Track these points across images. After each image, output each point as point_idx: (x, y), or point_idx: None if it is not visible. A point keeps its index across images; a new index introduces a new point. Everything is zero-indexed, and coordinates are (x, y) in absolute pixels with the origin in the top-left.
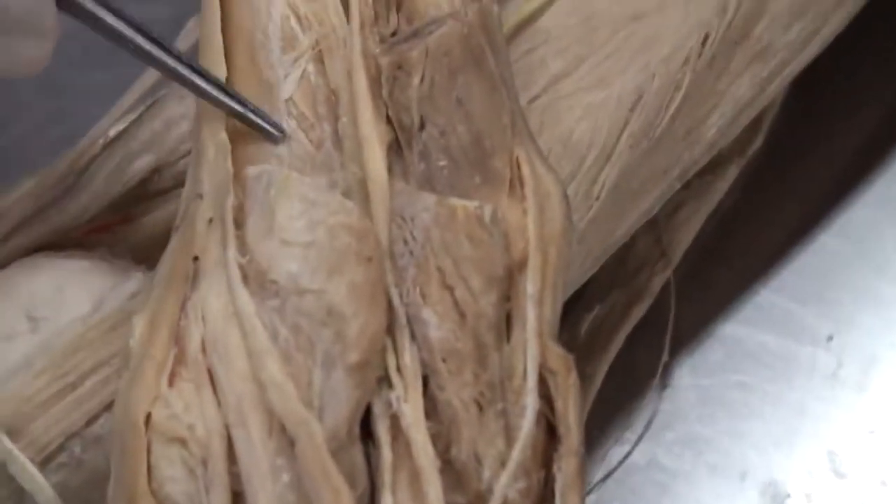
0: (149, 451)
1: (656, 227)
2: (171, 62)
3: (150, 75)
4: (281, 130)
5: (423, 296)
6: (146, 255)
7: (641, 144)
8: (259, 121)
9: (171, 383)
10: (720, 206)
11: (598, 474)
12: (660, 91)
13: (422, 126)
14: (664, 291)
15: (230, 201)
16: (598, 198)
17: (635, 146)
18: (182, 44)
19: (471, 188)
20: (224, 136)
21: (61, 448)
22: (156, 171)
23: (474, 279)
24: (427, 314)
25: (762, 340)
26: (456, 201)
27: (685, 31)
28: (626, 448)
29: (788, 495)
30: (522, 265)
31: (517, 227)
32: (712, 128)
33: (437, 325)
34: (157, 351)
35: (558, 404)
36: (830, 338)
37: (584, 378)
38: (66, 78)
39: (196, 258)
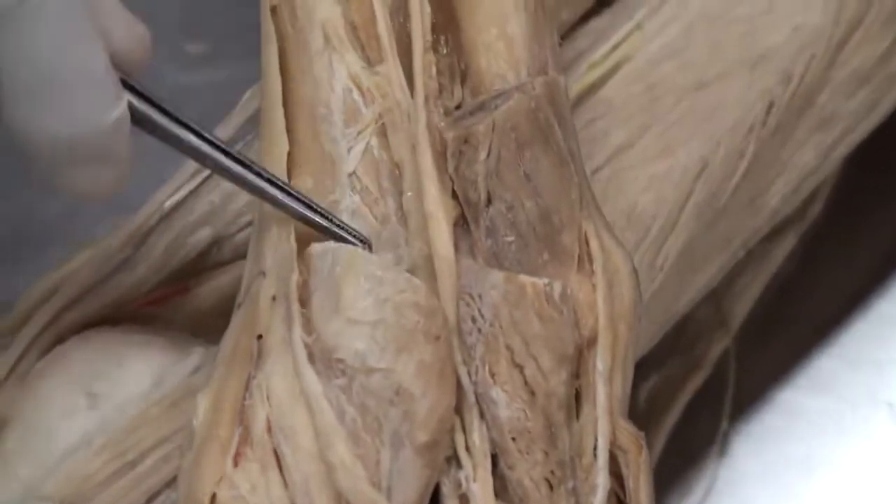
0: None
1: (715, 294)
2: (251, 177)
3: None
4: (366, 242)
5: (493, 374)
6: (204, 327)
7: (706, 214)
8: (345, 234)
9: (236, 463)
10: (778, 273)
11: None
12: (724, 160)
13: (489, 202)
14: (722, 359)
15: (294, 279)
16: (661, 269)
17: (700, 216)
18: (240, 115)
19: (539, 265)
20: None
21: None
22: (214, 243)
23: (544, 357)
24: (496, 393)
25: (821, 406)
26: (525, 278)
27: (749, 100)
28: None
29: None
30: (592, 342)
31: (586, 304)
32: (776, 196)
33: (506, 404)
34: (221, 430)
35: (629, 482)
36: (890, 404)
37: None
38: None
39: (260, 336)
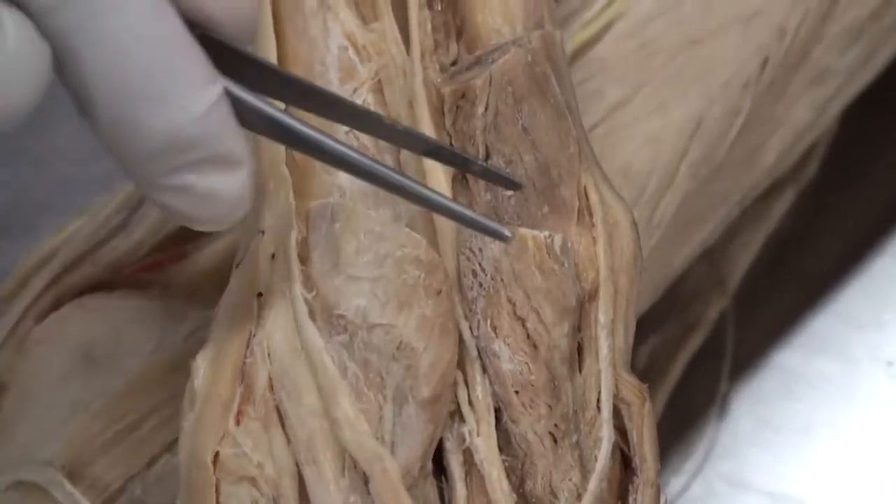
0: (217, 491)
1: (712, 254)
2: (381, 171)
3: None
4: (508, 235)
5: (494, 328)
6: (200, 292)
7: (702, 171)
8: (489, 224)
9: (238, 422)
10: (775, 233)
11: None
12: (720, 117)
13: (487, 156)
14: (720, 320)
15: (294, 236)
16: (659, 226)
17: (696, 173)
18: None
19: (538, 218)
20: (284, 169)
21: (122, 490)
22: None
23: (546, 310)
24: (499, 347)
25: (820, 367)
26: (526, 231)
27: (744, 56)
28: (685, 478)
29: None
30: (593, 295)
31: (587, 257)
32: (771, 153)
33: (509, 357)
34: (222, 389)
35: (633, 435)
36: (890, 363)
37: None
38: None
39: (260, 294)
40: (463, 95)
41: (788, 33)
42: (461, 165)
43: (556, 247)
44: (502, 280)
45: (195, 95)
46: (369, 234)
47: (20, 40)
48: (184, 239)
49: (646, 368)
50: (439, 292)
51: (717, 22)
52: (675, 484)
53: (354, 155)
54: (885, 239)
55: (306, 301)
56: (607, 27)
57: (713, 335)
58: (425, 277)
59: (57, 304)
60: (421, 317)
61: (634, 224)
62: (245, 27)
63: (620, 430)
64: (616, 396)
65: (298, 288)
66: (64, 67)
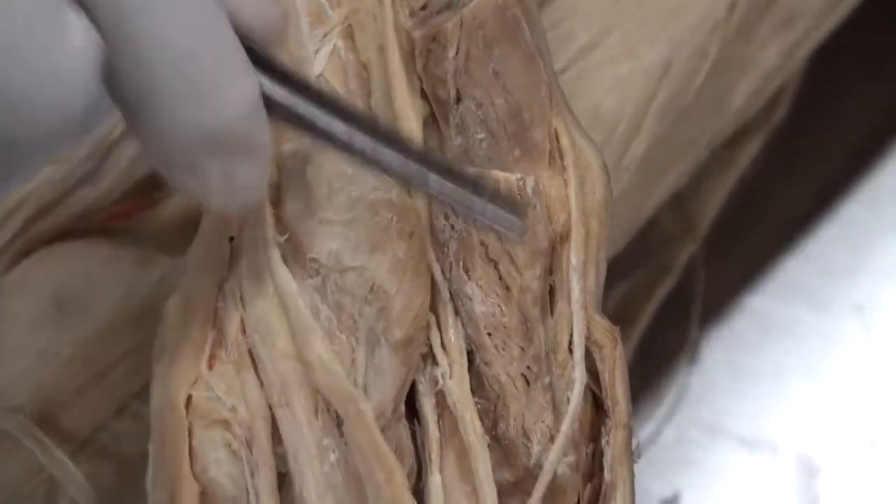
0: (190, 435)
1: (681, 200)
2: (397, 164)
3: None
4: (522, 231)
5: (467, 270)
6: (170, 239)
7: (670, 114)
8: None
9: (210, 366)
10: (744, 178)
11: None
12: (688, 60)
13: (458, 99)
14: (690, 266)
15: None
16: (628, 169)
17: (664, 116)
18: None
19: (510, 161)
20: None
21: (92, 437)
22: None
23: (518, 252)
24: (471, 289)
25: (791, 312)
26: (498, 174)
27: None
28: (657, 424)
29: (821, 468)
30: (565, 237)
31: (558, 199)
32: (740, 96)
33: (481, 299)
34: (195, 334)
35: (605, 377)
36: (860, 308)
37: None
38: None
39: (231, 239)
40: (434, 39)
41: None
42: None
43: (529, 189)
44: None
45: (236, 89)
46: (341, 177)
47: (85, 38)
48: (154, 186)
49: (616, 314)
50: (411, 235)
51: None
52: (646, 429)
53: (379, 151)
54: (856, 183)
55: (278, 245)
56: None
57: (684, 280)
58: (397, 220)
59: (26, 252)
60: (393, 259)
61: (605, 167)
62: (274, 35)
63: (592, 372)
64: (588, 339)
65: (271, 232)
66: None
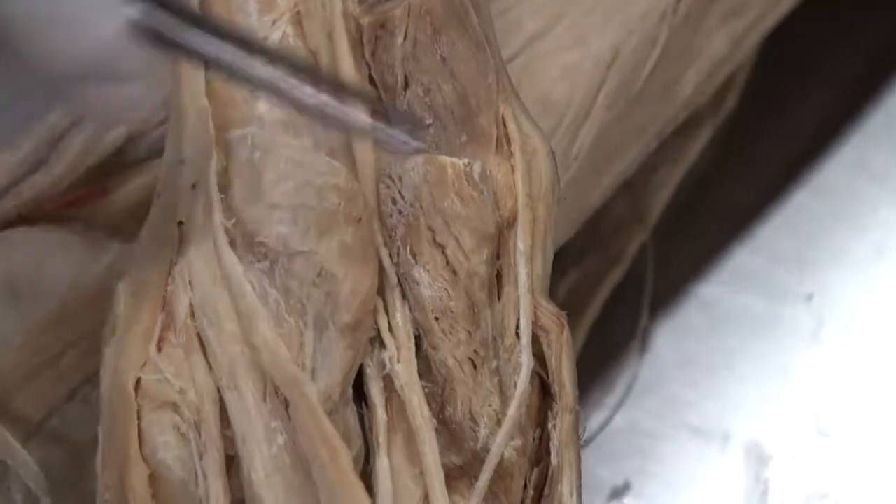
0: (139, 417)
1: (631, 189)
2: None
3: None
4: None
5: (414, 255)
6: (121, 228)
7: (619, 103)
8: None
9: (159, 349)
10: (695, 167)
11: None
12: (637, 49)
13: (406, 85)
14: (641, 255)
15: (214, 165)
16: (576, 157)
17: (613, 105)
18: None
19: (457, 146)
20: (204, 100)
21: (44, 422)
22: (130, 140)
23: (465, 237)
24: (418, 273)
25: (742, 301)
26: (445, 159)
27: None
28: (607, 413)
29: (772, 456)
30: (512, 222)
31: (505, 185)
32: (689, 85)
33: (428, 283)
34: (144, 317)
35: (551, 362)
36: (810, 297)
37: None
38: None
39: (181, 223)
40: (382, 25)
41: None
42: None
43: (475, 174)
44: (422, 207)
45: (102, 20)
46: (289, 161)
47: None
48: (105, 174)
49: (566, 302)
50: (359, 219)
51: None
52: (597, 418)
53: (271, 77)
54: (805, 172)
55: (227, 229)
56: None
57: (633, 269)
58: (345, 205)
59: None
60: (341, 244)
61: (552, 153)
62: None
63: (539, 357)
64: (535, 324)
65: (218, 216)
66: None
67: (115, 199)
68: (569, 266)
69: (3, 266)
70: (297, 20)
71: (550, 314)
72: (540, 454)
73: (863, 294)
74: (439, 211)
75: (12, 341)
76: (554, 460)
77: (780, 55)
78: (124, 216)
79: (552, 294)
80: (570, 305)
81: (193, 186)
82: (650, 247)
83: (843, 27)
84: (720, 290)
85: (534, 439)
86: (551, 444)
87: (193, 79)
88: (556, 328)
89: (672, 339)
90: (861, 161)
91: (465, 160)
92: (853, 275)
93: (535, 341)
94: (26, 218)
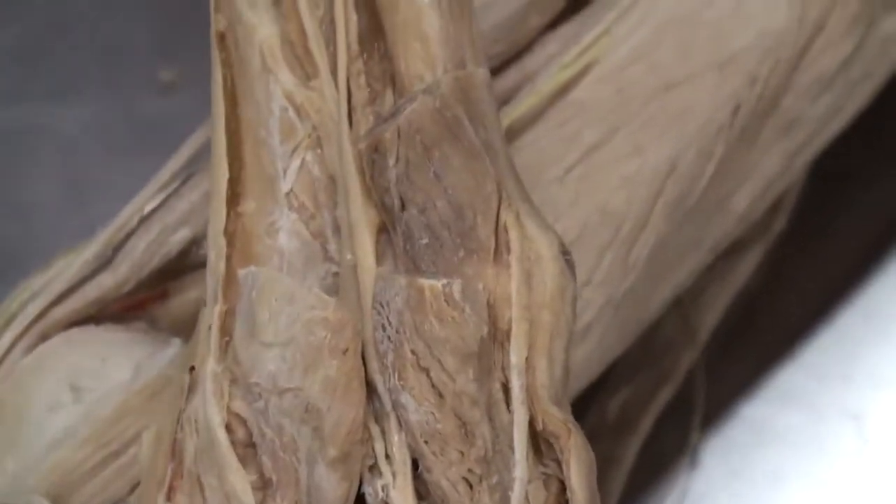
0: None
1: (682, 307)
2: None
3: (185, 151)
4: None
5: (402, 380)
6: (181, 331)
7: (676, 214)
8: None
9: (169, 498)
10: (744, 286)
11: None
12: (693, 161)
13: (402, 207)
14: (691, 372)
15: (218, 309)
16: (634, 267)
17: (670, 216)
18: (197, 140)
19: (454, 264)
20: (221, 239)
21: None
22: (193, 243)
23: (447, 359)
24: (405, 398)
25: (788, 420)
26: (423, 281)
27: (717, 102)
28: None
29: None
30: (510, 335)
31: (503, 297)
32: (743, 200)
33: (415, 408)
34: (157, 466)
35: (564, 468)
36: (856, 416)
37: (614, 460)
38: (87, 175)
39: (192, 368)
40: (376, 149)
41: (759, 81)
42: None
43: (455, 294)
44: (405, 332)
45: None
46: (281, 298)
47: None
48: (169, 274)
49: (619, 418)
50: (345, 351)
51: (691, 68)
52: None
53: None
54: (852, 293)
55: (230, 371)
56: (584, 71)
57: (684, 388)
58: (331, 338)
59: (44, 337)
60: (325, 378)
61: (560, 255)
62: None
63: (558, 462)
64: (545, 431)
65: (211, 362)
66: None
67: (176, 303)
68: (621, 384)
69: (67, 362)
70: (317, 145)
71: (557, 420)
72: None
73: None
74: (420, 335)
75: (76, 435)
76: None
77: (828, 176)
78: (186, 319)
79: (604, 409)
80: (623, 421)
81: (210, 329)
82: (701, 365)
83: (889, 147)
84: (768, 409)
85: None
86: None
87: (215, 217)
88: (564, 433)
89: (720, 456)
90: None
91: (444, 281)
92: None
93: (550, 448)
94: (91, 317)
